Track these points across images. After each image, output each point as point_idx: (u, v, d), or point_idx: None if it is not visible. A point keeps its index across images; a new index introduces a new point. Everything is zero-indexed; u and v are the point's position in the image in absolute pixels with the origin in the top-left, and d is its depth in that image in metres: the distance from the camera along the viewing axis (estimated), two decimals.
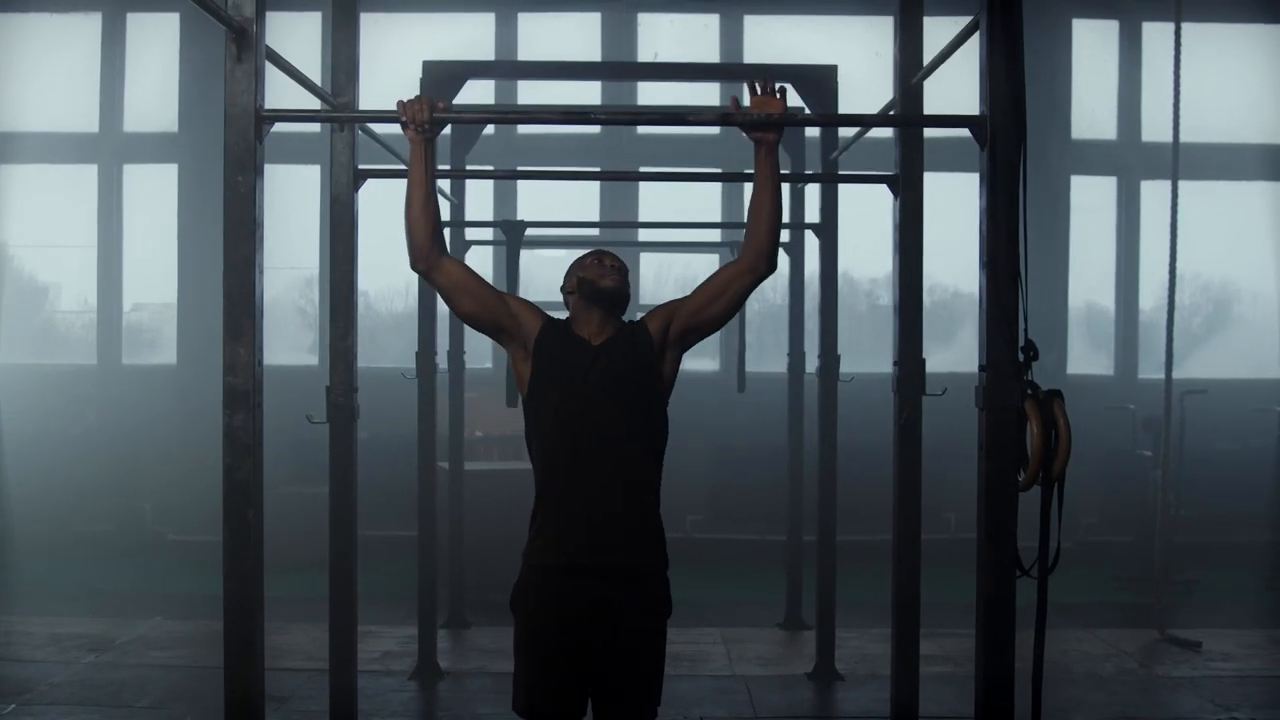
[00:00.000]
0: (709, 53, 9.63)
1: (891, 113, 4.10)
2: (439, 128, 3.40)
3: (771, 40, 9.62)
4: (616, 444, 3.42)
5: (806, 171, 6.75)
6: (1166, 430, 7.18)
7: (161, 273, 9.85)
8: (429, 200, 3.35)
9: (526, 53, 9.62)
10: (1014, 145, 3.27)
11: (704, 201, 9.73)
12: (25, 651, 6.32)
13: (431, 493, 6.22)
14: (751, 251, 3.41)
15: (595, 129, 9.36)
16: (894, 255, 4.34)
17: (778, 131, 3.33)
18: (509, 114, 3.98)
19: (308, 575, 6.52)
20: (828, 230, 5.88)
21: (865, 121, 3.83)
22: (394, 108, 3.42)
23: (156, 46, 9.51)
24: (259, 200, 3.26)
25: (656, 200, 9.62)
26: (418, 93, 5.89)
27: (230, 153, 3.24)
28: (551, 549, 3.45)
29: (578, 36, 9.64)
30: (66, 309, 10.32)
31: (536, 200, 9.54)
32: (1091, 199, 9.83)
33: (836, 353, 6.00)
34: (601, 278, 3.54)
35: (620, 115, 3.52)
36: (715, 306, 3.49)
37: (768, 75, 3.48)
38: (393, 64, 7.98)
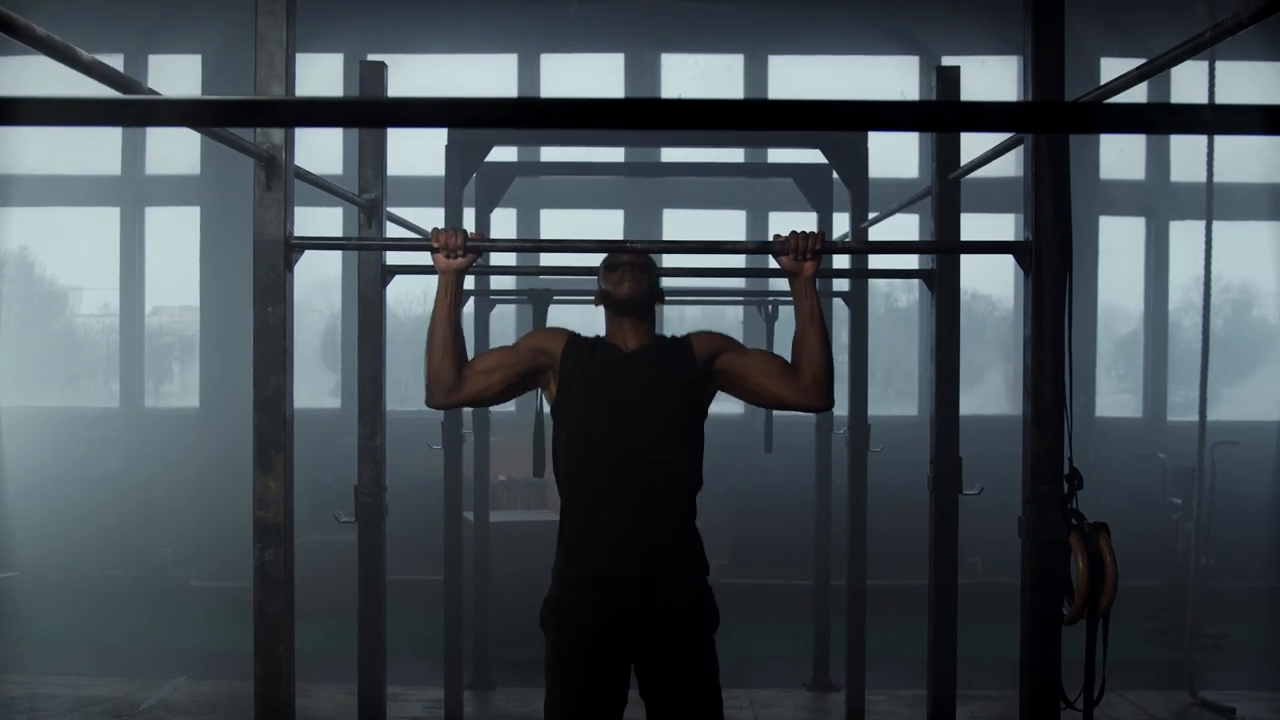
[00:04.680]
0: (733, 93, 9.55)
1: (929, 238, 4.03)
2: (472, 258, 3.34)
3: (796, 81, 9.55)
4: (650, 449, 3.35)
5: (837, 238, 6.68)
6: (1200, 487, 7.06)
7: (184, 314, 9.86)
8: (456, 338, 3.29)
9: (549, 93, 9.55)
10: (1060, 272, 3.19)
11: (730, 232, 9.65)
12: (49, 719, 6.29)
13: (459, 566, 6.18)
14: (800, 386, 3.35)
15: (619, 154, 9.28)
16: (929, 358, 4.27)
17: (815, 262, 3.27)
18: (541, 244, 3.92)
19: (330, 624, 6.49)
20: (858, 302, 5.81)
21: (906, 248, 3.76)
22: (423, 220, 3.37)
23: (178, 88, 9.47)
24: (289, 330, 3.21)
25: (682, 226, 9.56)
26: (443, 154, 5.94)
27: (259, 283, 3.18)
28: (582, 560, 3.37)
29: (600, 77, 9.57)
30: (89, 351, 10.29)
31: (559, 229, 9.48)
32: (1120, 240, 9.72)
33: (867, 423, 5.94)
34: (618, 285, 3.49)
35: (655, 246, 3.50)
36: (753, 381, 3.43)
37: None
38: None
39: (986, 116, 1.40)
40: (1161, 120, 1.55)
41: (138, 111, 1.65)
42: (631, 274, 3.47)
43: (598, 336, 3.53)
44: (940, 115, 1.73)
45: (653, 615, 3.35)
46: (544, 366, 3.47)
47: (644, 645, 3.39)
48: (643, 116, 1.45)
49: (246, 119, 1.77)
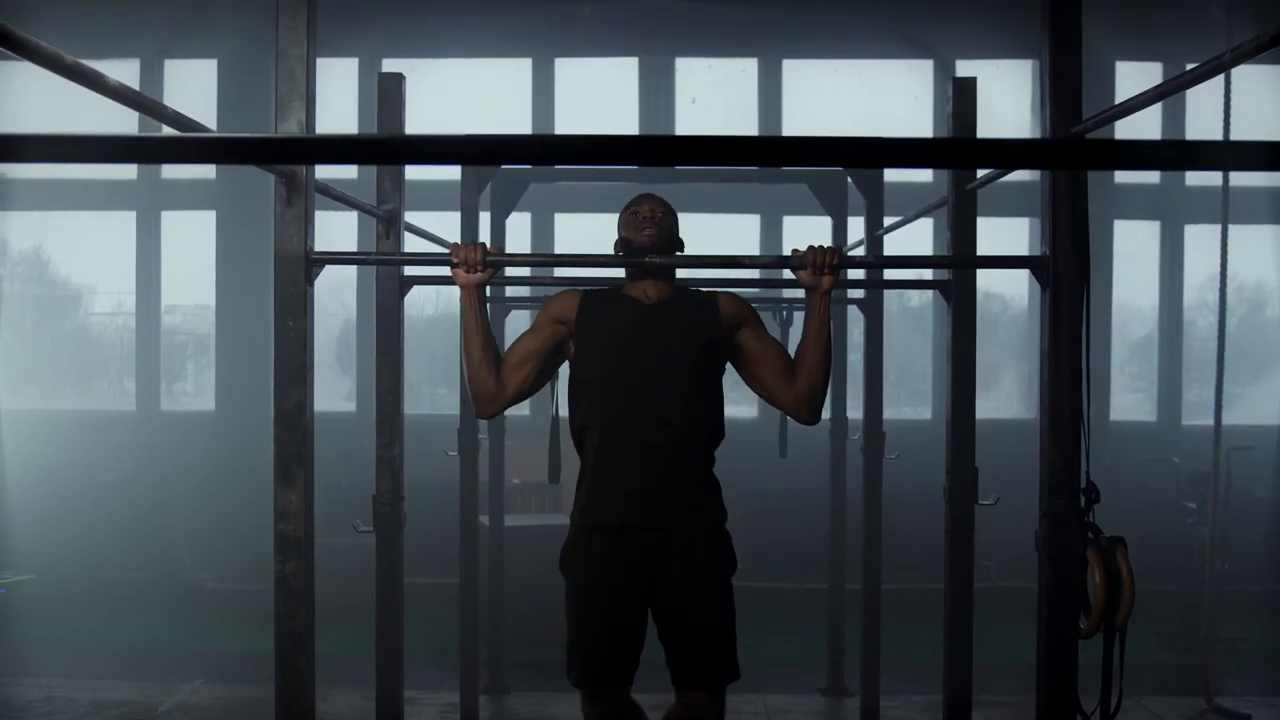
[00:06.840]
0: (747, 97, 9.57)
1: (945, 247, 4.03)
2: (491, 272, 3.36)
3: (810, 85, 9.55)
4: (669, 396, 3.37)
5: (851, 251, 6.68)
6: (1215, 492, 7.05)
7: (198, 314, 9.91)
8: (488, 349, 3.32)
9: (563, 98, 9.59)
10: (1077, 288, 3.19)
11: (744, 236, 9.65)
12: None
13: (474, 570, 6.21)
14: (794, 396, 3.37)
15: (633, 167, 9.30)
16: (945, 366, 4.27)
17: (833, 276, 3.28)
18: (559, 258, 3.93)
19: (345, 628, 6.51)
20: (873, 310, 5.81)
21: (920, 263, 3.77)
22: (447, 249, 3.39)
23: (194, 91, 9.51)
24: (310, 344, 3.23)
25: (696, 230, 9.56)
26: (458, 170, 5.96)
27: (280, 297, 3.21)
28: (601, 509, 3.41)
29: (614, 81, 9.59)
30: (103, 351, 10.35)
31: (574, 234, 9.50)
32: (1134, 243, 9.70)
33: (882, 430, 5.95)
34: (639, 232, 3.50)
35: (675, 260, 3.52)
36: (758, 368, 3.48)
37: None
38: (432, 111, 7.98)
39: (1006, 154, 1.41)
40: (1180, 158, 1.56)
41: (160, 149, 1.67)
42: (653, 223, 3.48)
43: (613, 288, 3.52)
44: (960, 152, 1.75)
45: (671, 561, 3.39)
46: (565, 335, 3.49)
47: (662, 589, 3.42)
48: (663, 154, 1.47)
49: (271, 157, 1.79)
